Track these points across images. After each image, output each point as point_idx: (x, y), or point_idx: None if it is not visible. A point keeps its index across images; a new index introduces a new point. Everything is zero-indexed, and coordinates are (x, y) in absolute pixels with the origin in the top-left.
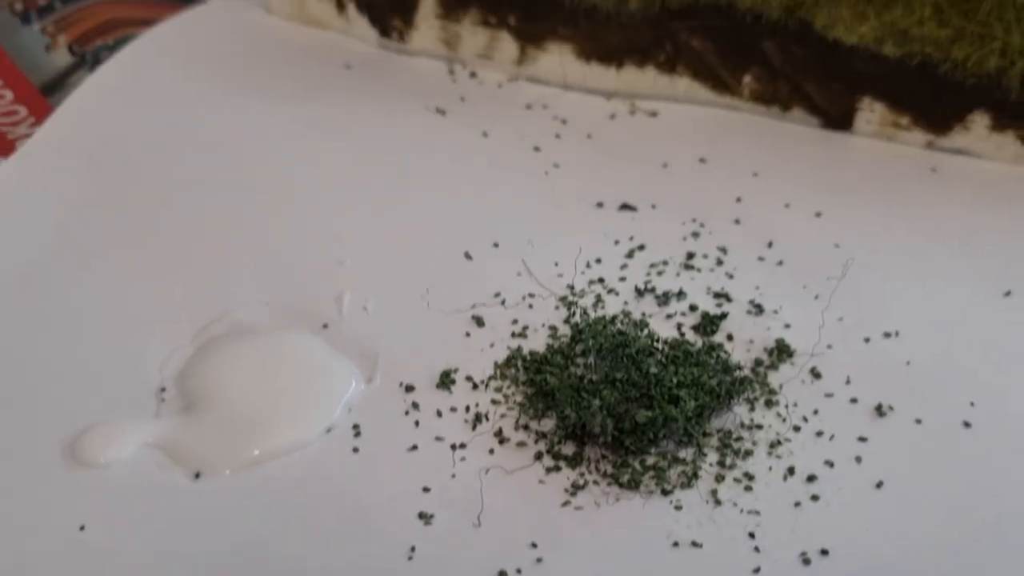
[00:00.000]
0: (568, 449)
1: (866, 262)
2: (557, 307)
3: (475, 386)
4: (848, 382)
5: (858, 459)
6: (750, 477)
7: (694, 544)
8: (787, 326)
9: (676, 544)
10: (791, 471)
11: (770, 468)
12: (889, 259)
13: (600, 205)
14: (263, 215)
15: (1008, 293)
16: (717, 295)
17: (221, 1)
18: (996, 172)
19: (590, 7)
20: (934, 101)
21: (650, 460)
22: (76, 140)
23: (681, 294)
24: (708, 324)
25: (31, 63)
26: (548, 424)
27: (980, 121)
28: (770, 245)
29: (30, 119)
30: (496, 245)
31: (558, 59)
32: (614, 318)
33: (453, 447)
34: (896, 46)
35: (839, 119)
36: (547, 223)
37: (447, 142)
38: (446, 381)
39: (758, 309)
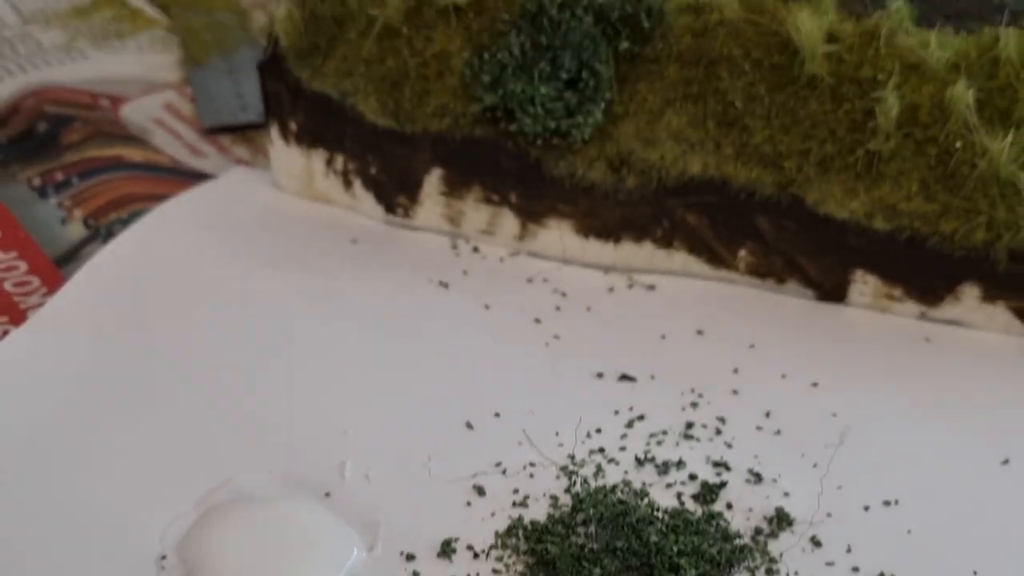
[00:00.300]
0: None
1: (863, 431)
2: (558, 476)
3: (476, 555)
4: (849, 550)
5: None
6: None
7: None
8: (786, 494)
9: None
10: None
11: None
12: (886, 428)
13: (600, 376)
14: (268, 383)
15: (1006, 461)
16: (716, 464)
17: (232, 177)
18: (989, 342)
19: (588, 185)
20: (925, 273)
21: None
22: (87, 310)
23: (681, 463)
24: (708, 493)
25: (47, 236)
26: None
27: (971, 292)
28: (768, 415)
29: (43, 289)
30: (497, 415)
31: (558, 235)
32: (615, 487)
33: None
34: (886, 220)
35: (833, 291)
36: (548, 393)
37: (450, 314)
38: (447, 550)
39: (757, 478)
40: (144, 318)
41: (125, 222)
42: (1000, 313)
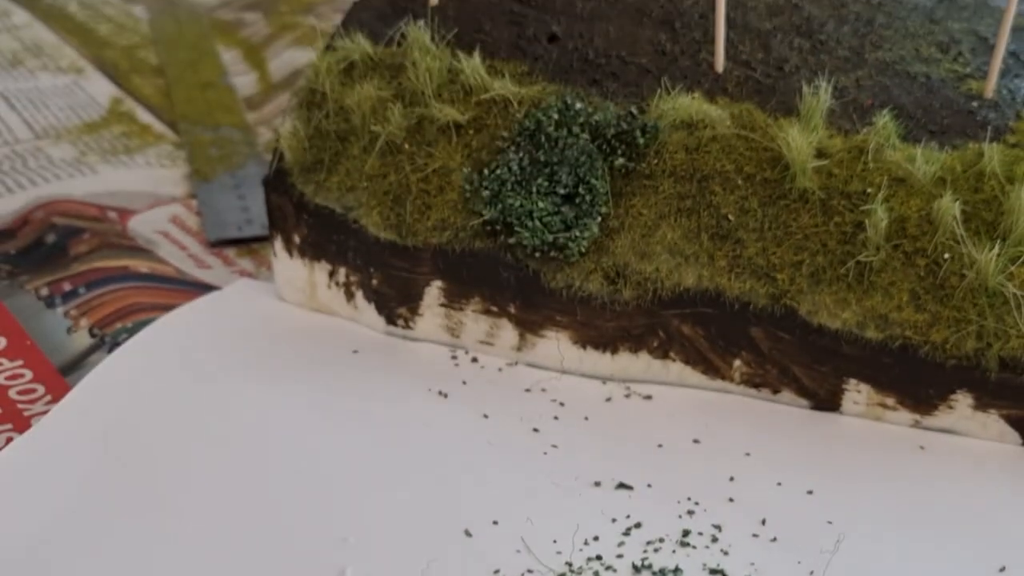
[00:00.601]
0: None
1: (859, 538)
2: None
3: None
4: None
5: None
6: None
7: None
8: None
9: None
10: None
11: None
12: (881, 535)
13: (598, 484)
14: (270, 492)
15: (1003, 569)
16: (713, 572)
17: (236, 289)
18: (983, 449)
19: (585, 297)
20: (917, 382)
21: None
22: (90, 419)
23: (677, 571)
24: None
25: (53, 344)
26: None
27: (963, 401)
28: (764, 522)
29: (47, 397)
30: (496, 522)
31: (556, 345)
32: None
33: None
34: (878, 330)
35: (827, 400)
36: (546, 501)
37: (449, 424)
38: None
39: None
40: (147, 427)
41: (130, 331)
42: (993, 421)
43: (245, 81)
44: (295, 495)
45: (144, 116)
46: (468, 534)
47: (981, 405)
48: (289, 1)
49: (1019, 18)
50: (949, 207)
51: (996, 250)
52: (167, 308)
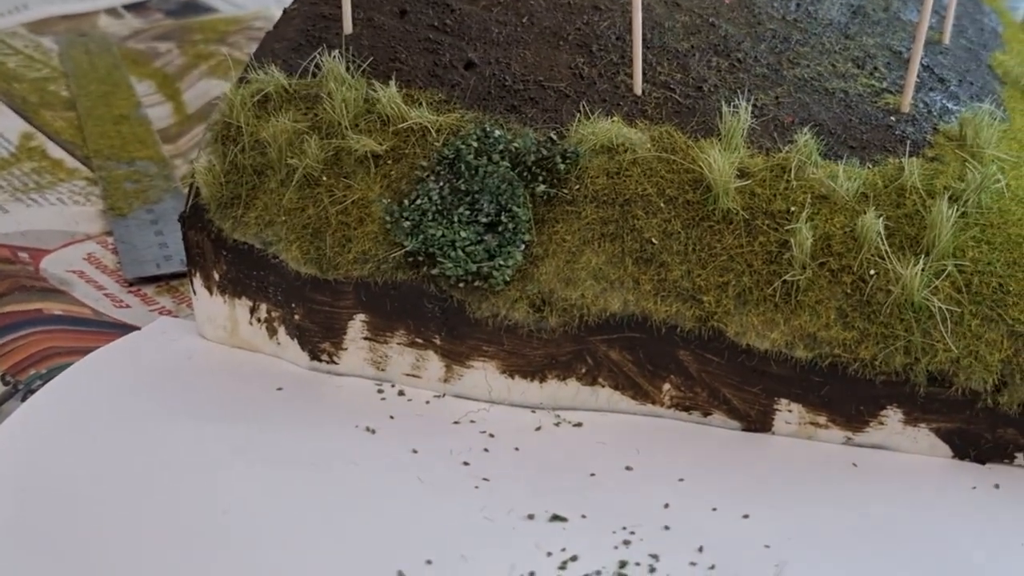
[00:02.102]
0: None
1: (797, 561)
2: None
3: None
4: None
5: None
6: None
7: None
8: None
9: None
10: None
11: None
12: (819, 557)
13: (531, 517)
14: (194, 536)
15: None
16: None
17: (155, 328)
18: (914, 464)
19: (512, 326)
20: (848, 399)
21: None
22: (5, 469)
23: None
24: None
25: None
26: None
27: (894, 416)
28: (701, 549)
29: None
30: (429, 562)
31: (483, 376)
32: None
33: None
34: (806, 349)
35: (759, 421)
36: (480, 538)
37: (377, 460)
38: None
39: None
40: (65, 477)
41: (45, 377)
42: (923, 435)
43: (160, 113)
44: (219, 538)
45: (55, 151)
46: (401, 575)
47: (911, 420)
48: (203, 30)
49: (931, 32)
50: (873, 223)
51: (920, 265)
52: (84, 351)
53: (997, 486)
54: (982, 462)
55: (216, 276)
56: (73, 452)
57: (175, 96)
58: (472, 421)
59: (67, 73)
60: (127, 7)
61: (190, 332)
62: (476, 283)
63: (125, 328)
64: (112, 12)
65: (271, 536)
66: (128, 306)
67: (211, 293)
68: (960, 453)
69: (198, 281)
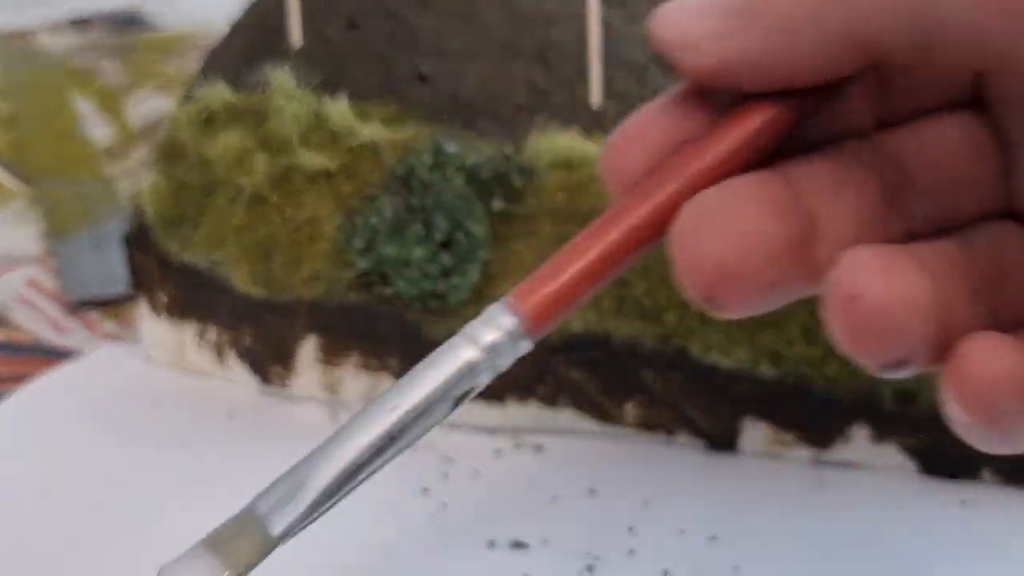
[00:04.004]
0: None
1: None
2: None
3: None
4: None
5: None
6: None
7: None
8: None
9: None
10: None
11: None
12: None
13: (492, 544)
14: (139, 566)
15: None
16: None
17: (100, 353)
18: (882, 481)
19: None
20: (814, 417)
21: None
22: None
23: None
24: None
25: None
26: None
27: (860, 433)
28: (666, 573)
29: None
30: None
31: None
32: None
33: None
34: (771, 367)
35: (724, 441)
36: (440, 566)
37: None
38: None
39: None
40: (5, 509)
41: None
42: (891, 452)
43: (103, 131)
44: None
45: None
46: None
47: (878, 437)
48: (147, 47)
49: None
50: None
51: None
52: (25, 379)
53: (964, 502)
54: (950, 478)
55: (163, 298)
56: (15, 483)
57: (119, 114)
58: (430, 445)
59: (7, 90)
60: (69, 24)
61: (136, 356)
62: (432, 303)
63: (68, 354)
64: (54, 29)
65: None
66: (71, 331)
67: (158, 316)
68: (928, 470)
69: (144, 304)
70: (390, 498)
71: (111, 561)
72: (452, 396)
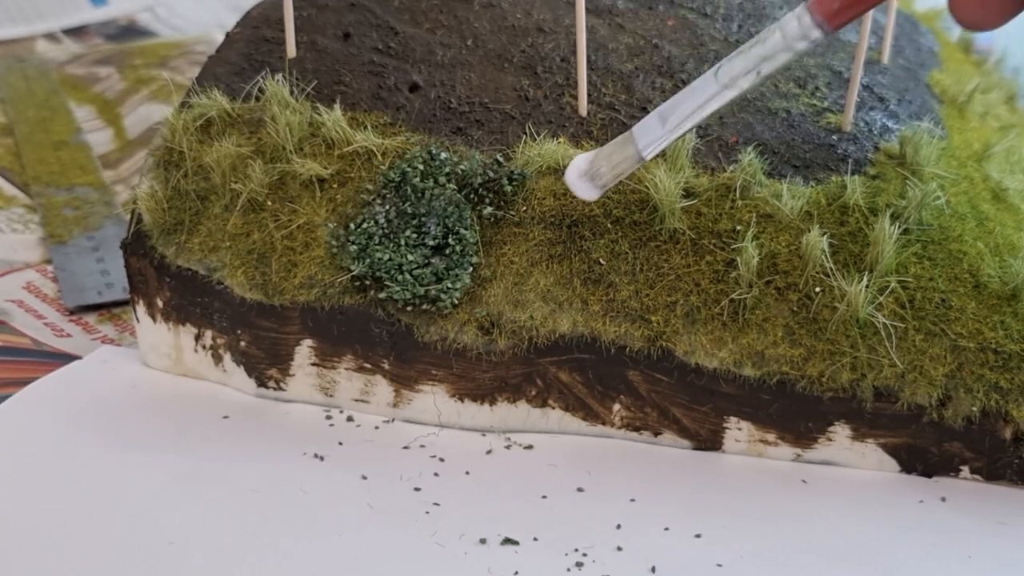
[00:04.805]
0: None
1: None
2: None
3: None
4: None
5: None
6: None
7: None
8: None
9: None
10: None
11: None
12: (771, 574)
13: (483, 541)
14: (136, 568)
15: None
16: None
17: (98, 357)
18: (863, 479)
19: (461, 348)
20: (796, 416)
21: None
22: None
23: None
24: None
25: None
26: None
27: (841, 432)
28: (653, 570)
29: None
30: None
31: (432, 400)
32: None
33: None
34: (755, 367)
35: (709, 440)
36: (430, 563)
37: (327, 487)
38: None
39: None
40: (5, 510)
41: None
42: (871, 451)
43: (100, 138)
44: (164, 570)
45: None
46: None
47: (859, 435)
48: (143, 54)
49: (870, 52)
50: (817, 241)
51: (864, 282)
52: (24, 382)
53: (944, 499)
54: (929, 476)
55: (159, 303)
56: (13, 485)
57: (115, 121)
58: (422, 446)
59: (4, 99)
60: (66, 32)
61: (133, 361)
62: (424, 306)
63: (66, 358)
64: (50, 37)
65: (218, 566)
66: (69, 335)
67: (154, 320)
68: (907, 467)
69: (141, 308)
70: (382, 497)
71: (109, 562)
72: (758, 65)
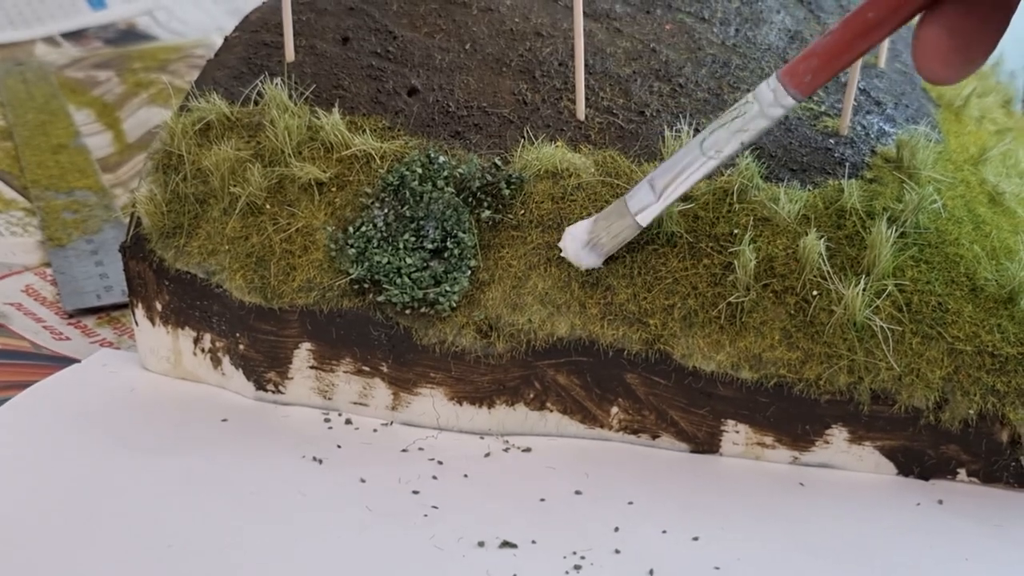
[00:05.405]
0: None
1: None
2: None
3: None
4: None
5: None
6: None
7: None
8: None
9: None
10: None
11: None
12: None
13: (481, 544)
14: (136, 570)
15: None
16: None
17: (96, 360)
18: (860, 482)
19: (459, 351)
20: (794, 419)
21: None
22: None
23: None
24: None
25: None
26: None
27: (839, 435)
28: (651, 572)
29: None
30: None
31: (431, 402)
32: None
33: None
34: (752, 370)
35: (707, 443)
36: (430, 567)
37: (325, 490)
38: None
39: None
40: (4, 513)
41: None
42: (868, 453)
43: (99, 142)
44: (163, 573)
45: None
46: None
47: (856, 438)
48: (142, 58)
49: (867, 56)
50: (814, 244)
51: (861, 285)
52: (22, 385)
53: (941, 502)
54: (926, 479)
55: (158, 306)
56: (13, 488)
57: (114, 125)
58: (420, 449)
59: (3, 102)
60: (65, 35)
61: (132, 364)
62: (422, 309)
63: (65, 361)
64: (49, 40)
65: (217, 569)
66: (68, 338)
67: (153, 324)
68: (904, 470)
69: (140, 312)
70: (381, 500)
71: (108, 565)
72: (739, 134)
